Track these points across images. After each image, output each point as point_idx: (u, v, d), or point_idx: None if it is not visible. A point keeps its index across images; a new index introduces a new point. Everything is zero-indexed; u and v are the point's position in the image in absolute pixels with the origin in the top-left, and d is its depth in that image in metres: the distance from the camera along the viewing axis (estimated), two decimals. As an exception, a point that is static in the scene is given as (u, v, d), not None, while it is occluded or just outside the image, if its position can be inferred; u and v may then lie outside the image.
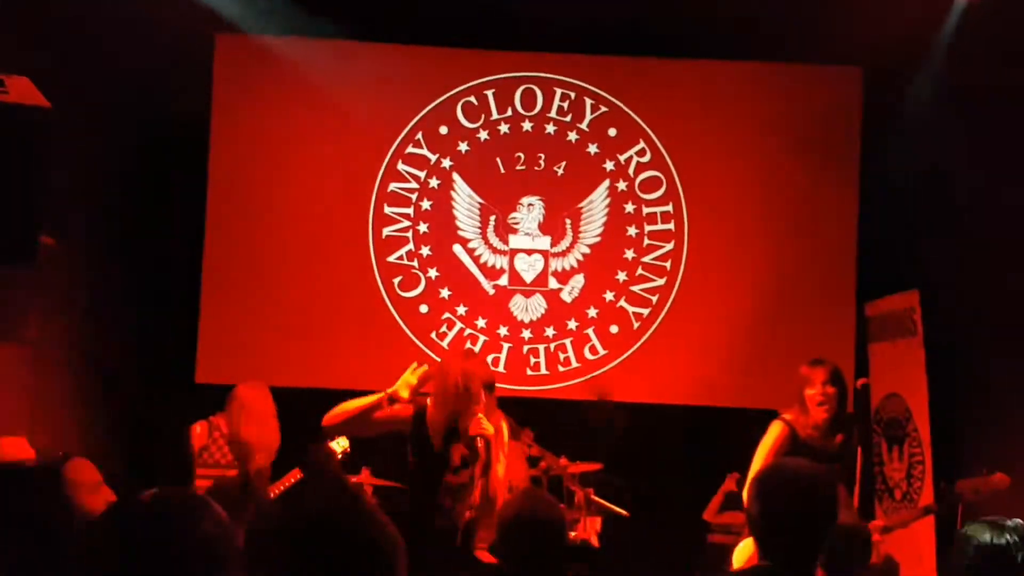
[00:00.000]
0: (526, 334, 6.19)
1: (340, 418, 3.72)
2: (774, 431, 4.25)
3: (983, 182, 5.25)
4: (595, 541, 4.79)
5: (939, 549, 5.19)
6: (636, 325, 6.21)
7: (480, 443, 3.63)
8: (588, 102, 6.28)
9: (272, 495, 4.39)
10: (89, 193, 5.64)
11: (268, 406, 4.58)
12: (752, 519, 2.29)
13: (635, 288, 6.23)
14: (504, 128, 6.28)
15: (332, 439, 4.50)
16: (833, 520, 2.30)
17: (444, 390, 3.71)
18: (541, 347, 6.19)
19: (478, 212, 6.23)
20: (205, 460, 4.56)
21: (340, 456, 4.68)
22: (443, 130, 6.25)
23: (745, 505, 2.45)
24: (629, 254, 6.24)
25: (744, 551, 4.32)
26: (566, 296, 6.21)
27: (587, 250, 6.23)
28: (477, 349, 6.06)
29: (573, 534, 4.75)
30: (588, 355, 6.19)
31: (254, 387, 4.62)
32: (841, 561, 3.10)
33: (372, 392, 3.72)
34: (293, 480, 4.59)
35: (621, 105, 6.27)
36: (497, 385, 3.81)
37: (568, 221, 6.23)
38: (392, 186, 6.24)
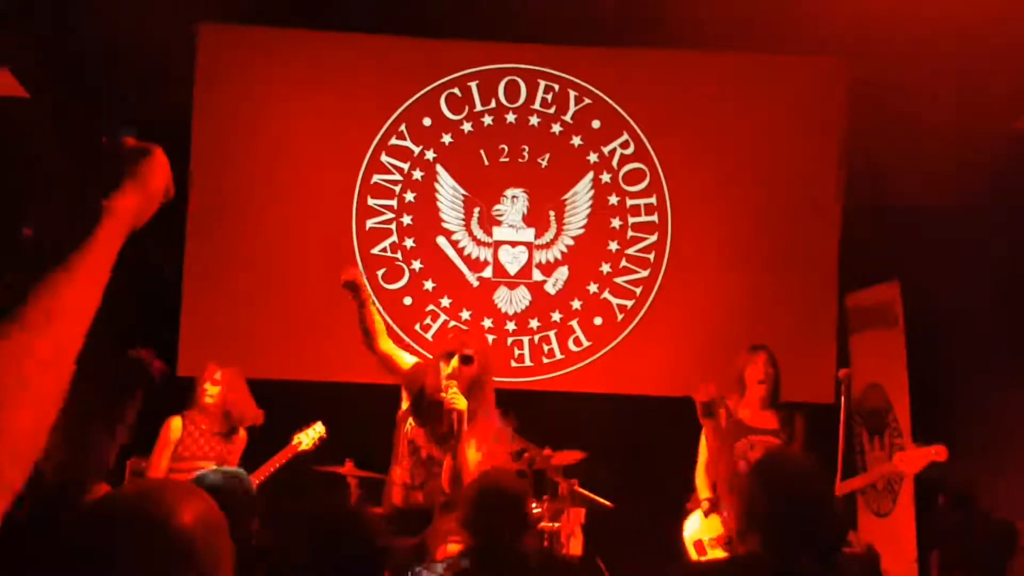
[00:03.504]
0: (510, 326, 6.19)
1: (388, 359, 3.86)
2: None
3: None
4: (579, 532, 4.81)
5: (919, 539, 5.25)
6: (620, 317, 6.22)
7: (453, 416, 3.65)
8: (572, 94, 6.27)
9: (256, 480, 4.40)
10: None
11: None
12: (755, 512, 2.29)
13: (619, 280, 6.24)
14: (488, 120, 6.27)
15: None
16: (824, 510, 2.32)
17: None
18: (525, 339, 6.20)
19: (462, 204, 6.22)
20: (180, 453, 4.56)
21: (312, 446, 4.71)
22: (427, 122, 6.23)
23: (740, 497, 2.47)
24: (613, 246, 6.25)
25: (707, 526, 4.40)
26: (550, 288, 6.22)
27: (571, 242, 6.24)
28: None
29: (557, 524, 4.76)
30: (572, 347, 6.20)
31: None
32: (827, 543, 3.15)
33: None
34: (276, 466, 4.60)
35: (605, 97, 6.28)
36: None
37: (552, 213, 6.23)
38: (376, 178, 6.22)
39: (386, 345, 3.88)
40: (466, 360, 3.74)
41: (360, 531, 1.79)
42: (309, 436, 4.72)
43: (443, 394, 3.70)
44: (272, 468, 4.59)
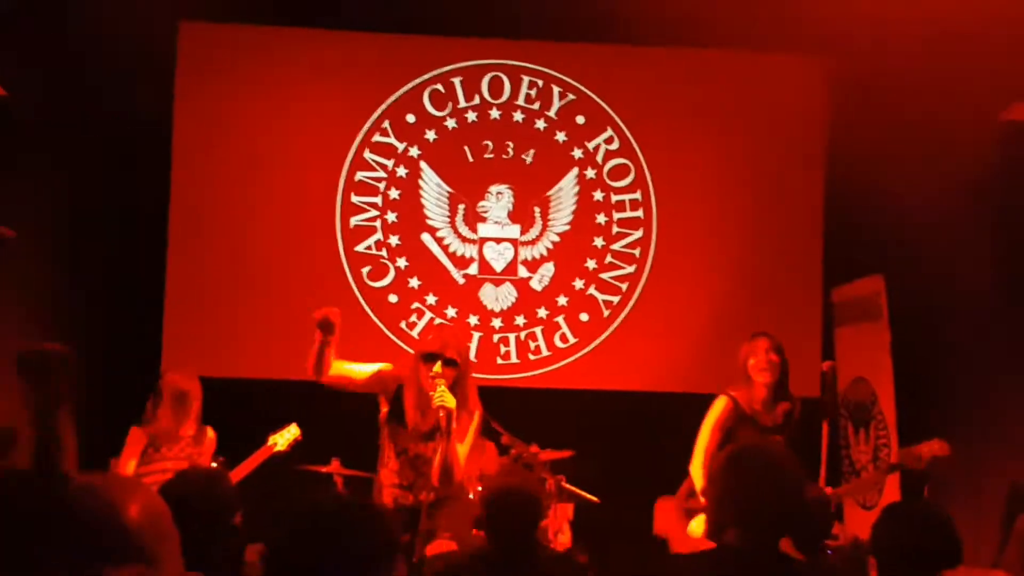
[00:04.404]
0: (496, 323, 6.18)
1: (338, 381, 3.80)
2: (718, 405, 4.32)
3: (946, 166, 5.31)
4: (567, 528, 4.80)
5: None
6: (606, 313, 6.22)
7: (442, 414, 3.65)
8: (556, 90, 6.27)
9: (235, 477, 4.38)
10: (51, 184, 5.54)
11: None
12: (729, 505, 2.27)
13: (605, 276, 6.24)
14: (472, 116, 6.25)
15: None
16: (801, 499, 2.31)
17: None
18: (511, 336, 6.19)
19: (447, 201, 6.20)
20: (151, 456, 4.52)
21: (287, 446, 4.69)
22: (410, 118, 6.21)
23: (705, 486, 2.46)
24: (598, 242, 6.25)
25: (699, 528, 4.37)
26: (536, 284, 6.21)
27: (556, 238, 6.23)
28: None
29: (545, 521, 4.76)
30: (558, 343, 6.20)
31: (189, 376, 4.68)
32: (808, 533, 3.15)
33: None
34: (253, 466, 4.58)
35: (589, 93, 6.27)
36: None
37: (537, 209, 6.22)
38: (359, 175, 6.19)
39: (333, 370, 3.79)
40: (449, 363, 3.74)
41: (375, 525, 1.70)
42: (284, 437, 4.71)
43: (431, 392, 3.69)
44: (248, 469, 4.57)
